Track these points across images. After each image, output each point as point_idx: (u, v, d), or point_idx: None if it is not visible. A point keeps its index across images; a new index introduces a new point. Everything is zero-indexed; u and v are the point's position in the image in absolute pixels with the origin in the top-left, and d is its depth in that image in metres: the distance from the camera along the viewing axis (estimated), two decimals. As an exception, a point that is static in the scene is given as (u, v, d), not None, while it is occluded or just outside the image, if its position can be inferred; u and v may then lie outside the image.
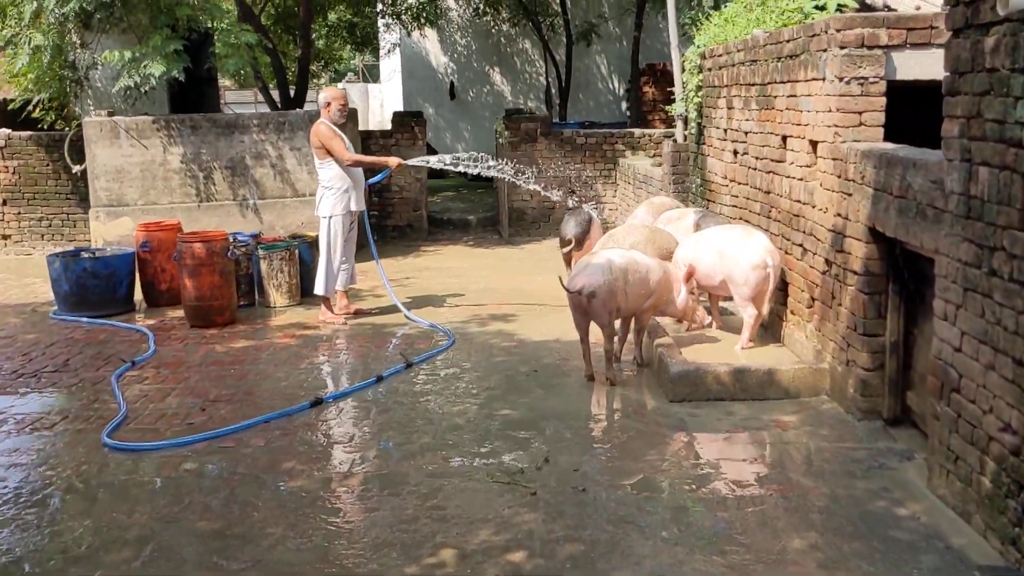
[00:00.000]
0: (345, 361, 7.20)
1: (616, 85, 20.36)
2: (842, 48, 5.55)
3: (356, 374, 6.78)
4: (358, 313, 8.63)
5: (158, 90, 12.72)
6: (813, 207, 6.04)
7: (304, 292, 9.31)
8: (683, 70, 9.77)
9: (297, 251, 9.30)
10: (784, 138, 6.60)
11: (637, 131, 13.32)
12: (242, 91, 29.01)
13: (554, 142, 13.17)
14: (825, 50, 5.74)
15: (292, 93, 13.94)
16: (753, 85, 7.30)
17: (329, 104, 8.23)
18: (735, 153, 7.94)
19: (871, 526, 4.16)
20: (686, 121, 9.78)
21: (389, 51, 19.54)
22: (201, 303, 8.30)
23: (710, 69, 8.71)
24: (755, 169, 7.32)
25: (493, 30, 20.18)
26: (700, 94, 9.04)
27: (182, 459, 5.20)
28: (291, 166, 11.30)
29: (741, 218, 7.78)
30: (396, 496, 4.61)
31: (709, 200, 8.92)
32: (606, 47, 20.09)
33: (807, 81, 6.08)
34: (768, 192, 7.01)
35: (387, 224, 13.38)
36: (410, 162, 8.81)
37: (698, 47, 9.05)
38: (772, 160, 6.88)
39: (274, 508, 4.56)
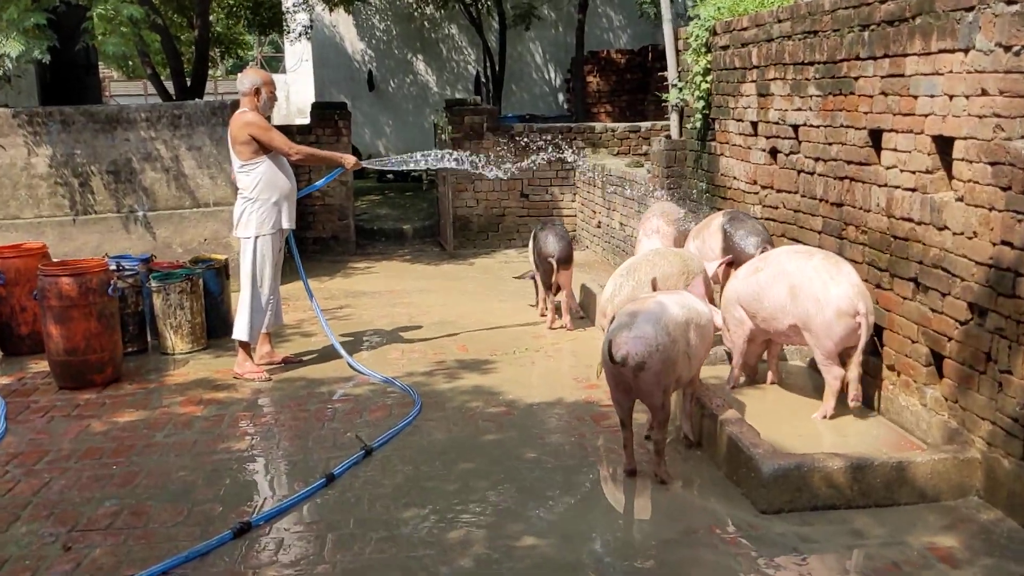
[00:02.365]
0: (277, 444, 5.20)
1: (553, 75, 18.63)
2: (1010, 4, 3.86)
3: (295, 468, 4.81)
4: (285, 362, 6.64)
5: (26, 79, 10.42)
6: (941, 229, 4.34)
7: (211, 332, 7.26)
8: (678, 51, 8.05)
9: (201, 280, 7.23)
10: (876, 133, 4.90)
11: (598, 125, 11.58)
12: (130, 83, 26.17)
13: (502, 138, 11.31)
14: (973, 8, 4.04)
15: (189, 83, 11.73)
16: (811, 64, 5.60)
17: (258, 91, 6.21)
18: (773, 153, 6.23)
19: None
20: (682, 113, 8.06)
21: (300, 35, 17.34)
22: (73, 358, 6.17)
23: (726, 47, 6.99)
24: (814, 174, 5.62)
25: (416, 13, 18.20)
26: (709, 79, 7.31)
27: (26, 660, 3.18)
28: (190, 169, 9.16)
29: (784, 235, 6.08)
30: None
31: (721, 209, 7.20)
32: (540, 33, 18.33)
33: (930, 55, 4.37)
34: (840, 205, 5.31)
35: (307, 236, 11.33)
36: (368, 163, 6.90)
37: (704, 21, 7.32)
38: (850, 163, 5.18)
39: None
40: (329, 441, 5.15)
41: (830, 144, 5.39)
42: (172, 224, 9.13)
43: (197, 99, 10.89)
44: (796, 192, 5.90)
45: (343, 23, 18.34)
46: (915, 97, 4.50)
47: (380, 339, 7.33)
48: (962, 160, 4.16)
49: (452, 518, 4.14)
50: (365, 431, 5.21)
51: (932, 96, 4.36)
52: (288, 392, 6.05)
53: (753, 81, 6.47)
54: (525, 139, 11.31)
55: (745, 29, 6.59)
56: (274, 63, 35.62)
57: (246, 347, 6.34)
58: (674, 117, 8.11)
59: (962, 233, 4.17)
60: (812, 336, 4.77)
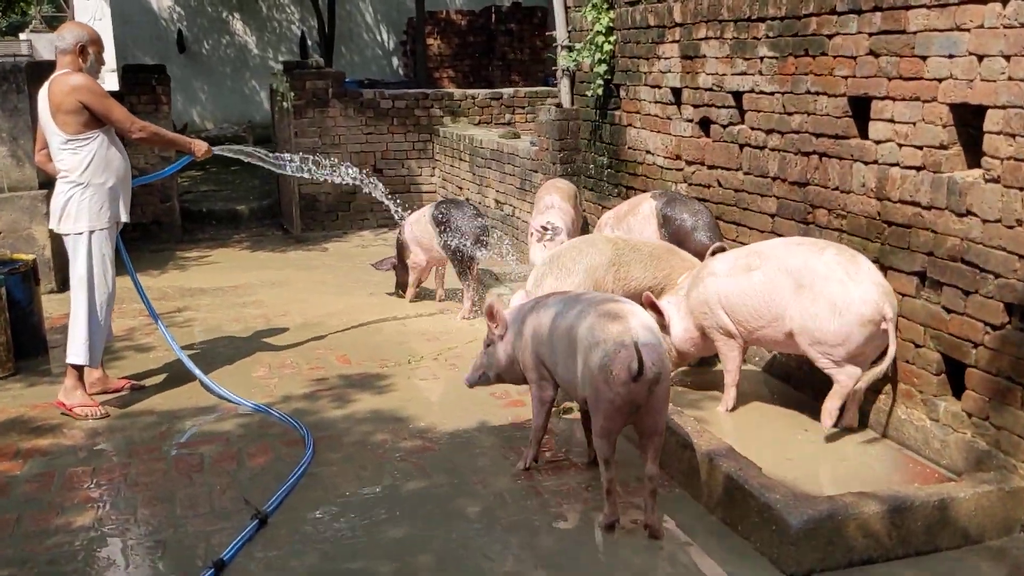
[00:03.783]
0: (134, 514, 3.93)
1: (386, 37, 17.32)
2: (1075, -58, 3.17)
3: (167, 552, 3.60)
4: (134, 388, 5.33)
5: None
6: (963, 215, 3.67)
7: (19, 352, 5.80)
8: (568, 8, 7.15)
9: (4, 288, 5.73)
10: (861, 100, 4.18)
11: (457, 92, 10.54)
12: None
13: (351, 106, 10.09)
14: (1018, -52, 3.34)
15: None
16: (761, 21, 4.82)
17: (84, 49, 4.85)
18: (705, 124, 5.46)
19: None
20: (573, 78, 7.18)
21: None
22: None
23: (635, 2, 6.15)
24: (765, 148, 4.88)
25: (231, -34, 16.44)
26: (612, 40, 6.46)
27: None
28: (-25, 146, 7.47)
29: (721, 218, 5.34)
30: None
31: (628, 186, 6.44)
32: (371, -9, 17.00)
33: (947, 7, 3.66)
34: (805, 184, 4.59)
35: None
36: (220, 150, 5.60)
37: (606, -28, 6.45)
38: (819, 135, 4.46)
39: None
40: (204, 504, 3.96)
41: (790, 114, 4.65)
42: (-47, 214, 7.42)
43: (28, 59, 9.02)
44: (738, 169, 5.15)
45: (146, -24, 16.35)
46: (923, 58, 3.80)
47: (236, 351, 6.08)
48: (999, 133, 3.47)
49: (401, 620, 3.11)
50: (250, 488, 4.06)
51: (951, 57, 3.66)
52: (135, 432, 4.76)
53: (675, 41, 5.66)
54: (376, 106, 10.18)
55: (663, -19, 5.77)
56: (56, 23, 32.06)
57: (80, 372, 4.99)
58: (564, 83, 7.21)
59: (998, 220, 3.50)
60: (820, 345, 3.97)
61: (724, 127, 5.24)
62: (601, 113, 6.77)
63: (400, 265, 7.17)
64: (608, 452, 3.53)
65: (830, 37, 4.32)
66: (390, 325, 6.62)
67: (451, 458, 4.35)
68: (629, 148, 6.41)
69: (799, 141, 4.60)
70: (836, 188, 4.37)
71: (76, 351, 4.91)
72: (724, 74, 5.17)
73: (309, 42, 16.48)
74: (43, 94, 4.84)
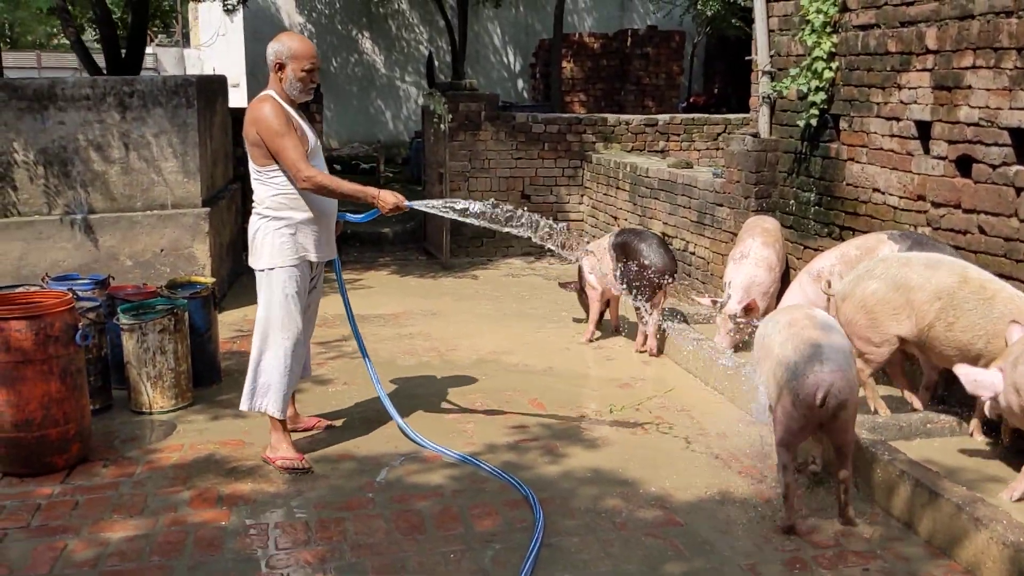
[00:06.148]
0: (363, 583, 3.53)
1: (512, 59, 17.02)
2: None
3: (415, 636, 3.18)
4: (329, 427, 4.98)
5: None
6: None
7: (196, 380, 5.51)
8: (771, 30, 6.64)
9: (186, 313, 5.44)
10: None
11: (611, 117, 10.09)
12: (18, 53, 23.08)
13: (503, 130, 9.73)
14: None
15: (124, 52, 9.70)
16: (1061, 49, 4.24)
17: (282, 66, 4.32)
18: (964, 163, 4.87)
19: None
20: (773, 107, 6.65)
21: (238, 3, 15.16)
22: (25, 434, 4.35)
23: (868, 27, 5.60)
24: (1059, 194, 4.27)
25: (363, -16, 16.34)
26: (835, 66, 5.92)
27: None
28: (142, 162, 7.26)
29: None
30: None
31: (845, 227, 5.88)
32: (500, 13, 16.71)
33: None
34: (1118, 238, 3.98)
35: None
36: (416, 204, 4.68)
37: (828, -7, 5.92)
38: None
39: None
40: (437, 570, 3.52)
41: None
42: (119, 230, 7.21)
43: (153, 73, 8.92)
44: (1012, 216, 4.55)
45: (279, -7, 16.35)
46: None
47: (418, 387, 5.69)
48: None
49: None
50: (484, 558, 3.61)
51: None
52: (339, 480, 4.37)
53: (927, 70, 5.10)
54: (528, 131, 9.81)
55: (912, 4, 5.21)
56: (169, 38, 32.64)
57: (280, 425, 4.58)
58: (764, 111, 6.68)
59: None
60: None
61: (994, 168, 4.65)
62: (811, 145, 6.22)
63: (581, 293, 6.92)
64: (787, 459, 3.71)
65: None
66: (573, 365, 6.19)
67: (704, 536, 3.83)
68: (848, 185, 5.85)
69: (1113, 188, 4.00)
70: None
71: (272, 402, 4.45)
72: (999, 108, 4.59)
73: (436, 63, 16.26)
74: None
